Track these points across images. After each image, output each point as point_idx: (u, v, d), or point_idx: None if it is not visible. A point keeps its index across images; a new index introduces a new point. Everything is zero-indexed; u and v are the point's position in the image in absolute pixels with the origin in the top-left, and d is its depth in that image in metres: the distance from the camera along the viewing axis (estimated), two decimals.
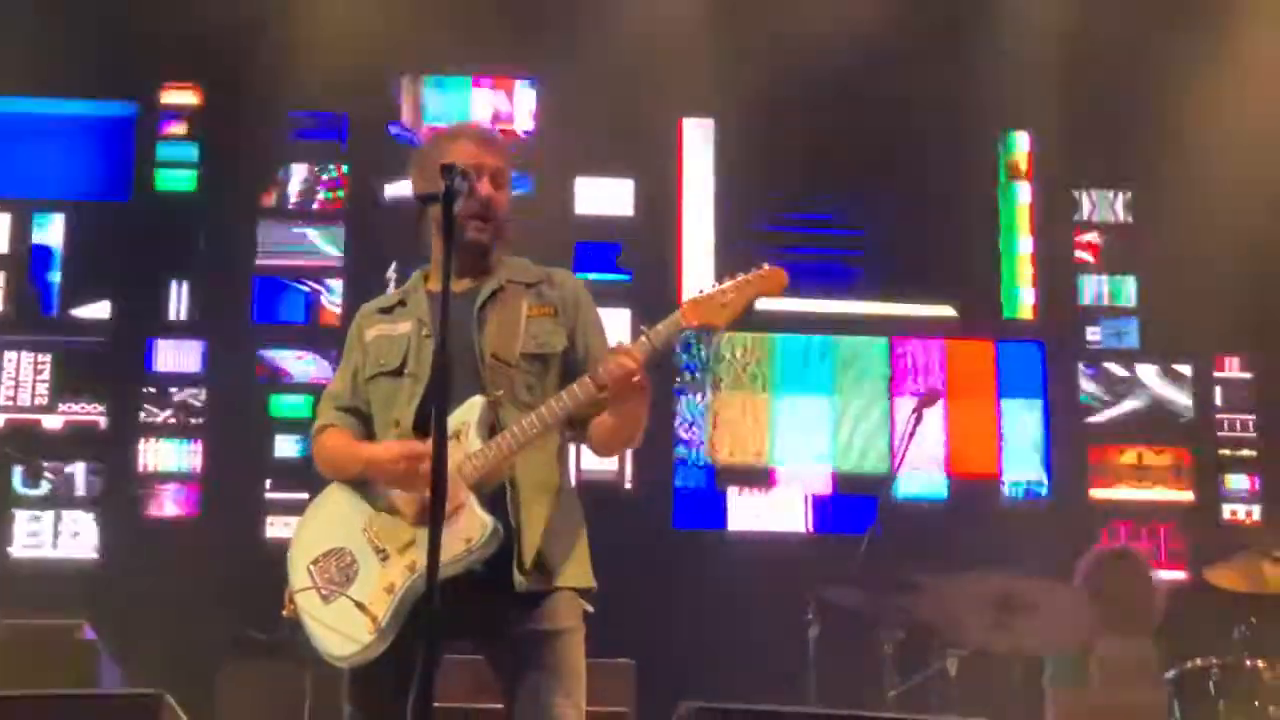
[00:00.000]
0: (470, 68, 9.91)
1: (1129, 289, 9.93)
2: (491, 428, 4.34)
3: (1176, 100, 9.65)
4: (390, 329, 4.60)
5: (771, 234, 9.72)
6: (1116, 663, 7.16)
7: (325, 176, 9.73)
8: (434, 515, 3.80)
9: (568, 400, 4.30)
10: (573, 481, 4.66)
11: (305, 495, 4.61)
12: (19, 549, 9.11)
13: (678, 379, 9.55)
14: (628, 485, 9.37)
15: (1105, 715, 7.09)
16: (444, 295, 4.00)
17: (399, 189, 9.25)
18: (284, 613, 4.40)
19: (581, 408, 4.33)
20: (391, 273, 9.17)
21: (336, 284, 9.59)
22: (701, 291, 4.48)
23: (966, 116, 9.86)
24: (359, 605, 4.25)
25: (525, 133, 9.76)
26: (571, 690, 4.38)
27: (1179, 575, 9.36)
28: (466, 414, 4.32)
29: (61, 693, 4.08)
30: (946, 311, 9.83)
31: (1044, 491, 9.66)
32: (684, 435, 9.56)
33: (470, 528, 4.22)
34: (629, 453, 8.78)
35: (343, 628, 4.25)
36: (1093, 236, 10.00)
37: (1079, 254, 9.99)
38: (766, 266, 4.50)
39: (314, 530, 4.48)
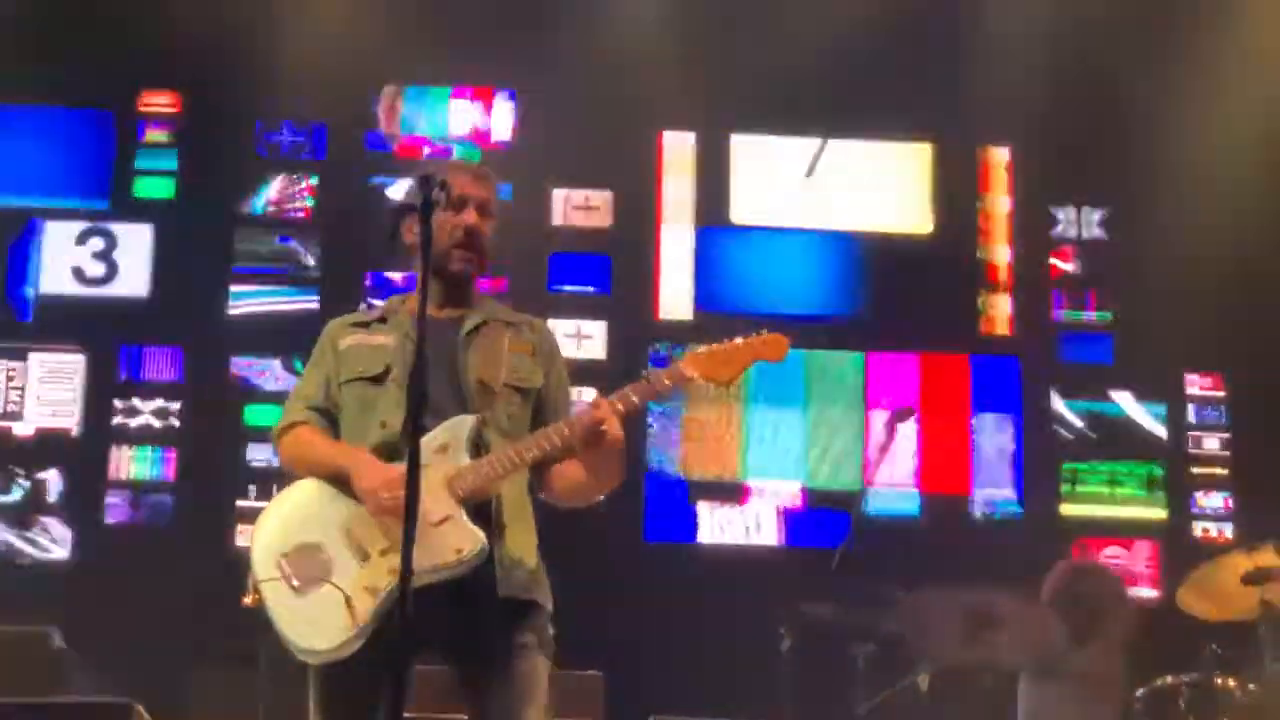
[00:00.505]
0: (449, 79, 9.90)
1: (1103, 305, 9.94)
2: (476, 446, 4.36)
3: (1153, 118, 9.71)
4: (367, 339, 4.62)
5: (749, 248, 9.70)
6: (1086, 678, 7.16)
7: (302, 185, 9.72)
8: (406, 531, 3.81)
9: (559, 434, 4.35)
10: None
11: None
12: None
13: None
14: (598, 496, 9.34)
15: None
16: (421, 303, 4.05)
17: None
18: (246, 601, 4.37)
19: (561, 447, 4.36)
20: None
21: (310, 292, 9.57)
22: (705, 348, 4.52)
23: (948, 129, 9.88)
24: (339, 601, 4.23)
25: (503, 144, 9.76)
26: (540, 704, 4.40)
27: (1151, 593, 9.38)
28: (456, 429, 4.34)
29: (33, 701, 4.07)
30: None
31: (1016, 508, 9.67)
32: (655, 449, 9.55)
33: (461, 539, 4.23)
34: None
35: (317, 623, 4.22)
36: (1068, 252, 10.01)
37: (1055, 269, 9.99)
38: (767, 333, 4.57)
39: (282, 523, 4.44)
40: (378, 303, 4.86)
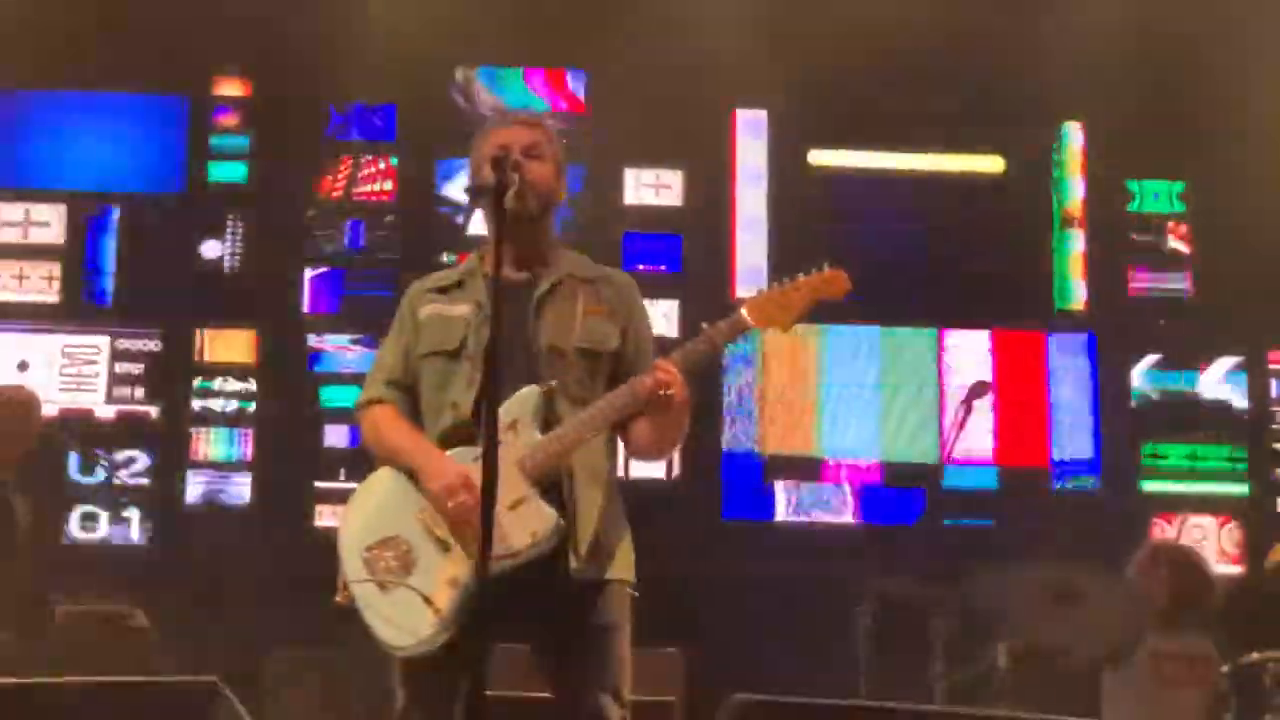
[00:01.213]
0: (521, 59, 9.90)
1: (1182, 281, 9.86)
2: (546, 419, 4.34)
3: (1231, 87, 9.58)
4: (446, 309, 4.57)
5: (826, 226, 9.64)
6: (1171, 656, 7.10)
7: (370, 170, 9.74)
8: (484, 512, 3.80)
9: (624, 399, 4.30)
10: (620, 472, 4.66)
11: (354, 485, 4.57)
12: (75, 536, 9.15)
13: (725, 370, 9.54)
14: (675, 475, 9.34)
15: (1160, 709, 7.03)
16: (494, 287, 4.01)
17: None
18: (337, 600, 4.39)
19: (630, 409, 4.33)
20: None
21: (387, 273, 9.59)
22: (762, 291, 4.46)
23: (1021, 107, 9.80)
24: (422, 598, 4.23)
25: (575, 123, 9.74)
26: (618, 682, 4.40)
27: (1233, 569, 9.31)
28: (521, 405, 4.30)
29: (120, 680, 4.09)
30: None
31: (1094, 483, 9.60)
32: (732, 426, 9.54)
33: (535, 521, 4.22)
34: None
35: (402, 619, 4.23)
36: (1146, 227, 9.92)
37: (1132, 243, 9.90)
38: (828, 269, 4.50)
39: (365, 516, 4.43)
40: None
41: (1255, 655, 6.68)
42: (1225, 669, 6.75)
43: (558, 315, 4.47)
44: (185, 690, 3.96)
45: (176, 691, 3.98)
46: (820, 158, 9.87)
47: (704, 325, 4.39)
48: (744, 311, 4.41)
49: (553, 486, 4.30)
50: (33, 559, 7.40)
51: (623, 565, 4.47)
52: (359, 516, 4.45)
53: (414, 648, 4.23)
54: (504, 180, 4.08)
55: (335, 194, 9.73)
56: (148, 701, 3.99)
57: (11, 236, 9.59)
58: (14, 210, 9.59)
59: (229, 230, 9.64)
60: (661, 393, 4.25)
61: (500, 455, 3.95)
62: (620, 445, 4.61)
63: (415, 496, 4.36)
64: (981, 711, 6.41)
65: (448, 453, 4.35)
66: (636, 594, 4.49)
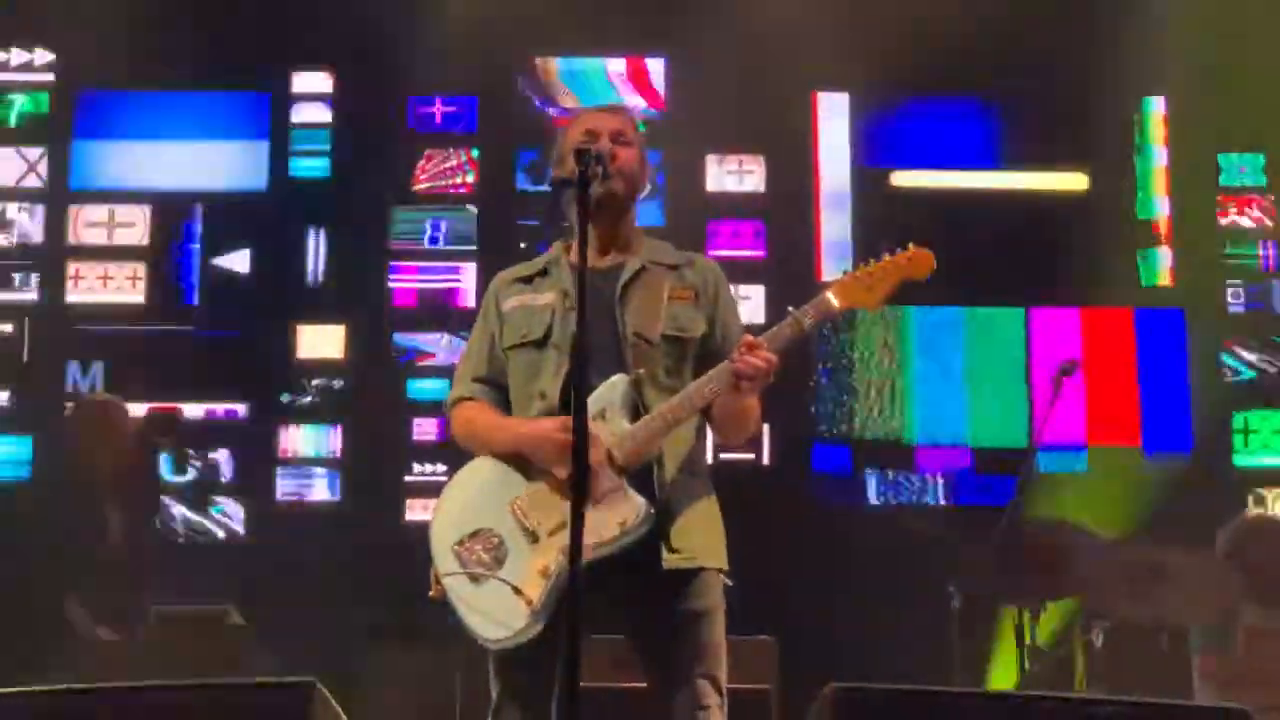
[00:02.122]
0: (600, 47, 9.89)
1: (1270, 252, 9.75)
2: (634, 407, 4.34)
3: None
4: (531, 299, 4.60)
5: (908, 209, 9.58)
6: (1263, 632, 7.04)
7: (453, 161, 9.76)
8: (576, 498, 3.80)
9: (715, 384, 4.29)
10: (709, 459, 4.66)
11: (444, 479, 4.58)
12: (169, 537, 9.19)
13: (815, 354, 9.51)
14: (766, 461, 9.32)
15: (1253, 685, 6.97)
16: (580, 279, 4.00)
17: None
18: (430, 595, 4.40)
19: (720, 393, 4.32)
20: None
21: (470, 266, 9.62)
22: (847, 273, 4.46)
23: (1104, 82, 9.69)
24: (513, 589, 4.24)
25: (656, 111, 9.71)
26: (715, 668, 4.41)
27: None
28: (609, 393, 4.31)
29: (215, 682, 4.12)
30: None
31: (1186, 460, 9.50)
32: (822, 411, 9.51)
33: (625, 510, 4.23)
34: (766, 429, 8.79)
35: (495, 611, 4.25)
36: (1233, 201, 9.81)
37: (1220, 219, 9.80)
38: (913, 248, 4.48)
39: (457, 509, 4.46)
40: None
41: None
42: None
43: (643, 302, 4.48)
44: (283, 691, 3.97)
45: (274, 692, 3.99)
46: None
47: (790, 309, 4.38)
48: (830, 294, 4.41)
49: (643, 474, 4.31)
50: (129, 563, 7.47)
51: (715, 553, 4.47)
52: (450, 510, 4.47)
53: (507, 640, 4.25)
54: (589, 169, 4.08)
55: (418, 187, 9.74)
56: (244, 702, 4.00)
57: (97, 238, 9.64)
58: (98, 211, 9.65)
59: (313, 227, 9.67)
60: (749, 377, 4.25)
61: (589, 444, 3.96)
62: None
63: (509, 485, 4.39)
64: (1082, 696, 6.36)
65: None
66: (730, 582, 4.50)
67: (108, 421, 7.77)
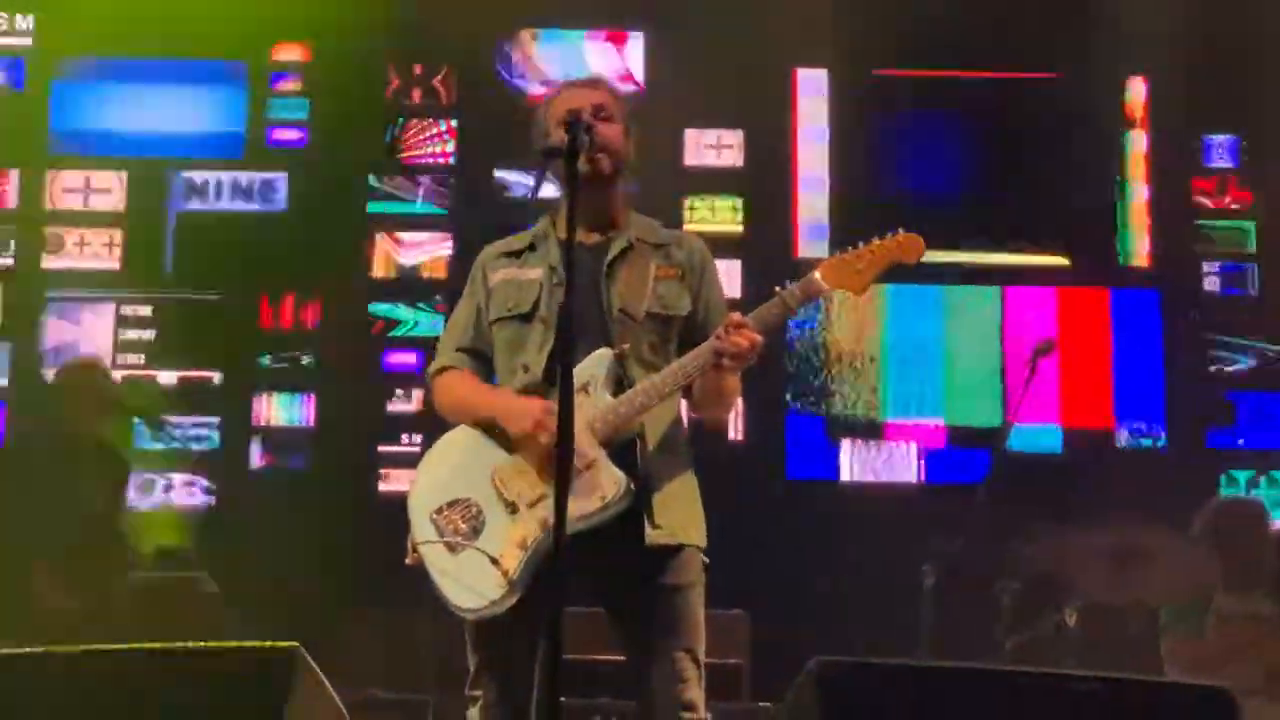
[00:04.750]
0: (581, 20, 9.86)
1: (1248, 235, 9.76)
2: (618, 382, 4.35)
3: None
4: (518, 273, 4.60)
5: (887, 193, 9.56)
6: (1233, 615, 7.07)
7: (434, 131, 9.73)
8: (559, 470, 3.80)
9: (699, 361, 4.29)
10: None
11: (417, 450, 4.59)
12: (142, 503, 9.16)
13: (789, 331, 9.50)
14: (738, 436, 9.32)
15: (1223, 669, 7.01)
16: (567, 247, 4.00)
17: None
18: (407, 561, 4.41)
19: (704, 371, 4.33)
20: None
21: (446, 237, 9.60)
22: (837, 255, 4.47)
23: (1082, 63, 9.70)
24: (490, 559, 4.25)
25: (637, 85, 9.69)
26: (694, 643, 4.44)
27: None
28: (594, 367, 4.32)
29: (196, 647, 4.09)
30: (1059, 261, 9.71)
31: (1161, 441, 9.53)
32: (795, 387, 9.51)
33: (605, 484, 4.23)
34: (740, 403, 8.79)
35: (471, 581, 4.25)
36: (1209, 182, 9.82)
37: (1196, 200, 9.81)
38: (902, 233, 4.49)
39: (436, 477, 4.47)
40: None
41: None
42: None
43: (629, 279, 4.49)
44: (265, 657, 3.95)
45: (256, 659, 3.98)
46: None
47: (778, 288, 4.39)
48: (818, 274, 4.43)
49: (625, 449, 4.31)
50: (104, 530, 7.44)
51: (695, 531, 4.49)
52: (429, 478, 4.48)
53: (482, 609, 4.26)
54: (576, 142, 4.07)
55: (396, 157, 9.71)
56: (229, 668, 3.99)
57: (73, 203, 9.61)
58: (75, 177, 9.61)
59: (289, 196, 9.63)
60: (733, 356, 4.25)
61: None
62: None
63: (489, 456, 4.39)
64: (1060, 670, 6.37)
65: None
66: (708, 560, 4.51)
67: (92, 384, 7.74)
